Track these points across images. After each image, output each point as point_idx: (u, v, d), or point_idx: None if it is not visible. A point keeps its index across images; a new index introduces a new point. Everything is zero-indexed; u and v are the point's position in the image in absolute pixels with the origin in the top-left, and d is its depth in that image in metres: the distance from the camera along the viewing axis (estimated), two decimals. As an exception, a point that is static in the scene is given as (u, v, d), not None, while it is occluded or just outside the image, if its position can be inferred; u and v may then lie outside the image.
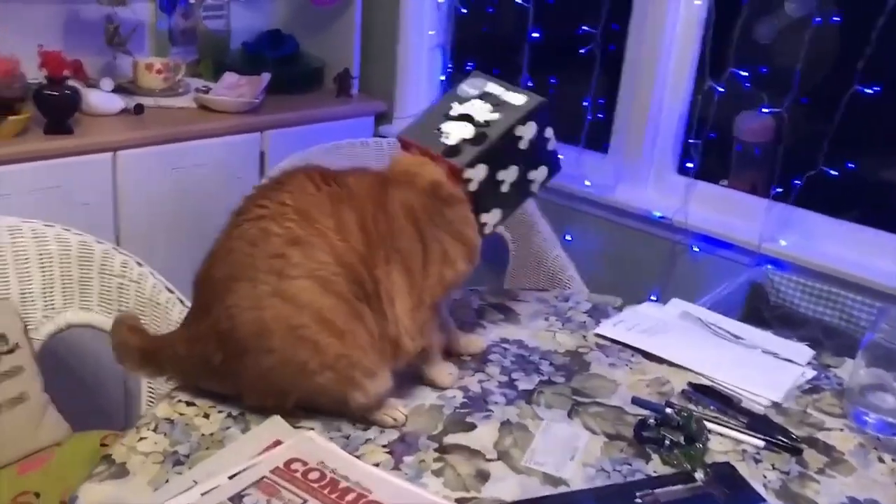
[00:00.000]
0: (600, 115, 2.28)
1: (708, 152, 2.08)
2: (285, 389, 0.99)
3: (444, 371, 1.14)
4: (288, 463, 0.92)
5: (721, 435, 1.08)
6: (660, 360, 1.26)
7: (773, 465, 1.03)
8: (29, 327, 1.51)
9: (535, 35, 2.28)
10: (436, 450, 1.00)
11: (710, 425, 1.08)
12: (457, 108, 1.19)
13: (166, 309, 1.48)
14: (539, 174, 1.23)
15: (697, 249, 2.08)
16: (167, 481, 0.90)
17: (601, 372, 1.21)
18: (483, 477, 0.96)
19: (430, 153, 1.13)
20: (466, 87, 1.23)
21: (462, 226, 1.12)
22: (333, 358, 0.97)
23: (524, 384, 1.16)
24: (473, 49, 2.60)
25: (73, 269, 1.55)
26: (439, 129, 1.15)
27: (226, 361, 0.99)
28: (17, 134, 1.94)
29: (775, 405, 1.17)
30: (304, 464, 0.92)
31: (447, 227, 1.09)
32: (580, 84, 2.26)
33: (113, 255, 1.54)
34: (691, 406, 1.14)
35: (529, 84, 2.34)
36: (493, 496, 0.93)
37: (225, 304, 0.98)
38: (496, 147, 1.14)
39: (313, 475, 0.90)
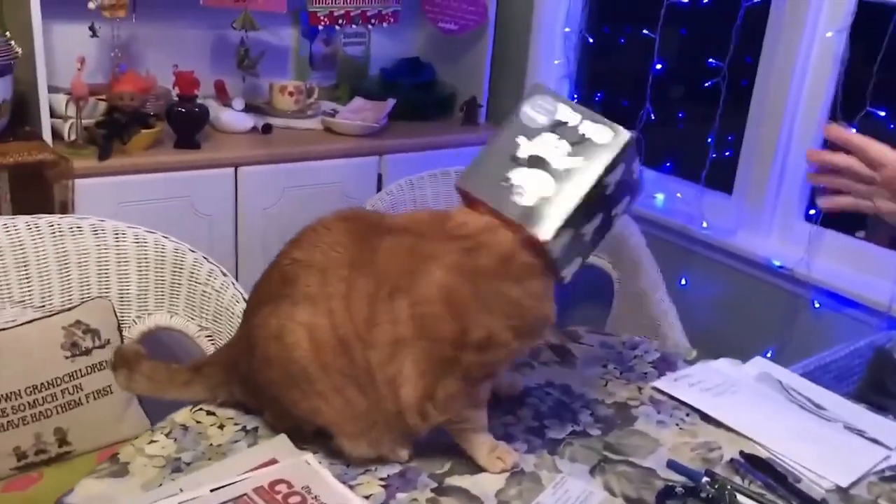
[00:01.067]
0: (727, 153, 2.15)
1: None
2: (286, 414, 1.00)
3: (487, 452, 1.01)
4: (273, 483, 0.92)
5: (760, 516, 0.96)
6: (717, 424, 1.15)
7: (813, 557, 0.91)
8: (123, 325, 1.62)
9: (659, 67, 2.19)
10: (433, 490, 0.96)
11: (746, 502, 0.96)
12: (526, 148, 0.96)
13: (238, 319, 1.54)
14: (621, 207, 1.03)
15: (819, 305, 1.90)
16: (160, 485, 0.92)
17: (645, 429, 1.13)
18: (474, 525, 0.91)
19: (501, 217, 0.94)
20: (532, 112, 0.98)
21: (532, 301, 0.95)
22: (313, 410, 0.96)
23: (554, 433, 1.10)
24: (600, 80, 2.54)
25: (167, 274, 1.65)
26: (508, 180, 0.94)
27: (249, 371, 1.02)
28: (149, 146, 2.11)
29: (840, 490, 1.03)
30: (290, 486, 0.91)
31: (506, 307, 0.94)
32: (708, 119, 2.15)
33: (202, 264, 1.63)
34: (735, 478, 1.03)
35: (652, 117, 2.25)
36: (475, 548, 0.88)
37: (253, 321, 1.01)
38: (582, 205, 0.94)
39: (293, 499, 0.90)
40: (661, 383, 1.24)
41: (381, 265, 0.94)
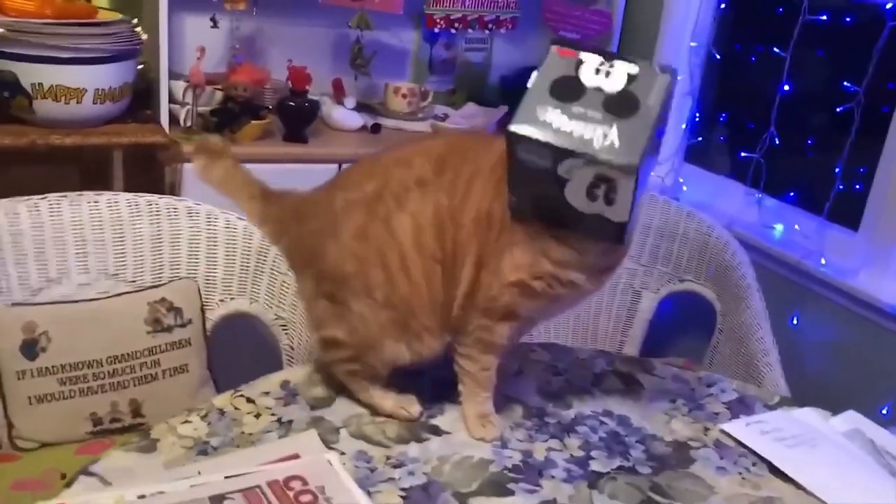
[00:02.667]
0: (857, 186, 1.98)
1: None
2: (334, 289, 1.05)
3: (476, 414, 1.07)
4: (288, 479, 0.91)
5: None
6: (785, 478, 1.05)
7: None
8: (206, 307, 1.67)
9: (787, 88, 2.05)
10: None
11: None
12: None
13: (313, 312, 1.55)
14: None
15: (947, 363, 1.71)
16: (182, 466, 0.93)
17: (701, 473, 1.04)
18: (488, 550, 0.87)
19: None
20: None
21: None
22: (399, 299, 1.01)
23: (598, 465, 1.03)
24: (727, 99, 2.41)
25: (251, 261, 1.69)
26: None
27: (317, 237, 1.08)
28: (259, 137, 2.18)
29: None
30: (304, 483, 0.90)
31: None
32: (838, 147, 1.99)
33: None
34: (793, 541, 0.93)
35: (776, 142, 2.10)
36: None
37: (346, 187, 1.10)
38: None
39: (305, 497, 0.89)
40: (730, 426, 1.15)
41: (484, 168, 1.02)
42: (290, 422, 1.04)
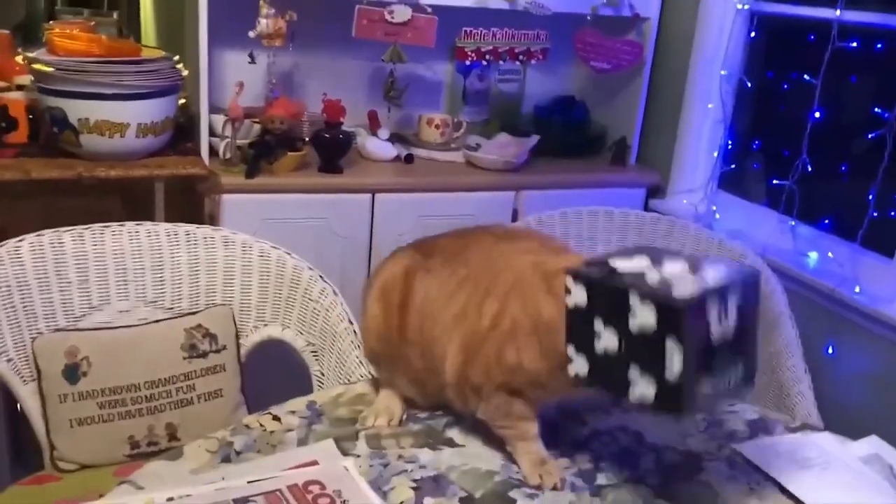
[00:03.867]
0: (892, 213, 2.02)
1: None
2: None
3: (531, 464, 1.08)
4: (307, 483, 0.99)
5: None
6: (794, 499, 1.09)
7: None
8: (241, 333, 1.78)
9: (818, 115, 2.10)
10: (460, 500, 1.00)
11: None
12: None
13: (341, 338, 1.65)
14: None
15: (984, 392, 1.73)
16: (209, 471, 1.02)
17: (710, 482, 1.09)
18: (489, 548, 0.94)
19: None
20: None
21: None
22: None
23: (605, 479, 1.09)
24: (760, 127, 2.47)
25: (284, 288, 1.79)
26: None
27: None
28: (295, 168, 2.30)
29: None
30: (322, 488, 0.99)
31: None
32: (871, 174, 2.03)
33: (316, 281, 1.76)
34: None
35: (809, 169, 2.15)
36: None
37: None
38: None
39: (323, 501, 0.97)
40: (743, 446, 1.20)
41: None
42: (310, 428, 1.13)
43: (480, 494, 1.03)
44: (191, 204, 2.23)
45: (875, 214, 2.01)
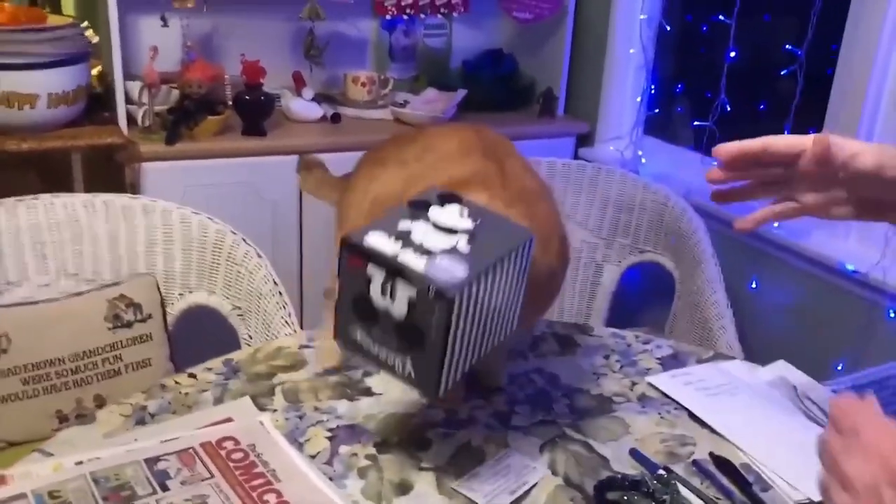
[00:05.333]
0: (808, 149, 2.07)
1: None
2: None
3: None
4: (221, 440, 1.00)
5: (703, 517, 0.96)
6: (702, 424, 1.14)
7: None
8: (166, 302, 1.77)
9: (733, 55, 2.14)
10: (375, 444, 1.03)
11: (694, 501, 0.96)
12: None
13: (266, 299, 1.65)
14: None
15: (895, 315, 1.80)
16: (123, 433, 1.03)
17: (622, 416, 1.13)
18: (404, 488, 0.97)
19: None
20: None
21: None
22: None
23: (520, 420, 1.12)
24: (682, 71, 2.50)
25: (208, 254, 1.79)
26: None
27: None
28: (217, 133, 2.27)
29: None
30: (236, 443, 1.00)
31: None
32: (786, 111, 2.08)
33: (239, 245, 1.75)
34: (695, 479, 1.02)
35: (728, 109, 2.20)
36: (400, 513, 0.93)
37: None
38: None
39: (237, 455, 0.98)
40: (656, 379, 1.24)
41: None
42: (226, 389, 1.14)
43: (397, 439, 1.05)
44: (110, 175, 2.19)
45: (791, 151, 2.06)
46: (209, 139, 2.26)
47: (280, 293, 1.65)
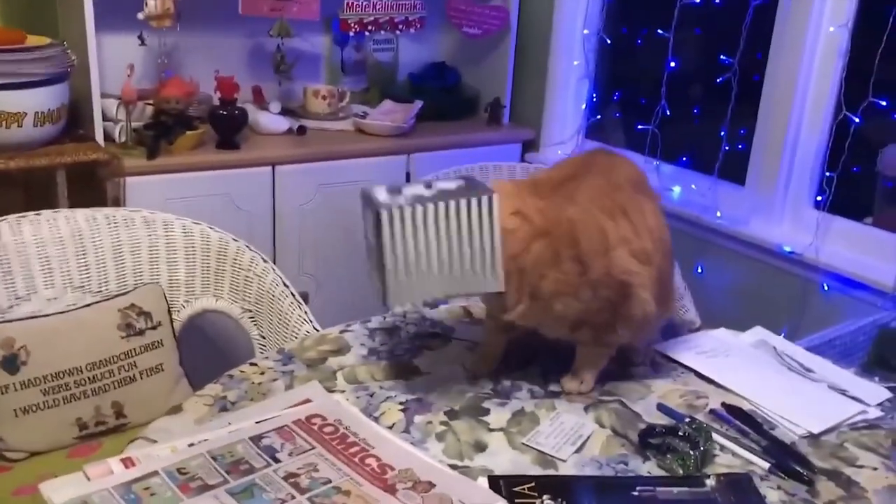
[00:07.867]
0: (740, 146, 2.29)
1: (854, 187, 2.04)
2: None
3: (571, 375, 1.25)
4: (309, 417, 1.09)
5: (733, 454, 1.11)
6: (708, 381, 1.30)
7: (778, 486, 1.06)
8: (172, 309, 1.82)
9: (673, 65, 2.35)
10: (446, 413, 1.15)
11: (722, 441, 1.12)
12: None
13: (279, 300, 1.73)
14: None
15: (828, 288, 2.03)
16: (211, 420, 1.11)
17: (639, 378, 1.28)
18: (480, 447, 1.08)
19: None
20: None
21: None
22: None
23: (558, 387, 1.25)
24: (619, 80, 2.70)
25: (212, 261, 1.85)
26: None
27: None
28: (193, 147, 2.32)
29: (811, 436, 1.18)
30: (324, 419, 1.09)
31: None
32: (721, 114, 2.30)
33: (244, 251, 1.82)
34: (715, 425, 1.18)
35: (668, 113, 2.40)
36: (483, 465, 1.04)
37: None
38: None
39: (328, 429, 1.07)
40: (661, 346, 1.40)
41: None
42: (293, 374, 1.23)
43: (460, 407, 1.17)
44: (91, 190, 2.21)
45: (727, 148, 2.28)
46: (186, 153, 2.31)
47: (292, 294, 1.74)
